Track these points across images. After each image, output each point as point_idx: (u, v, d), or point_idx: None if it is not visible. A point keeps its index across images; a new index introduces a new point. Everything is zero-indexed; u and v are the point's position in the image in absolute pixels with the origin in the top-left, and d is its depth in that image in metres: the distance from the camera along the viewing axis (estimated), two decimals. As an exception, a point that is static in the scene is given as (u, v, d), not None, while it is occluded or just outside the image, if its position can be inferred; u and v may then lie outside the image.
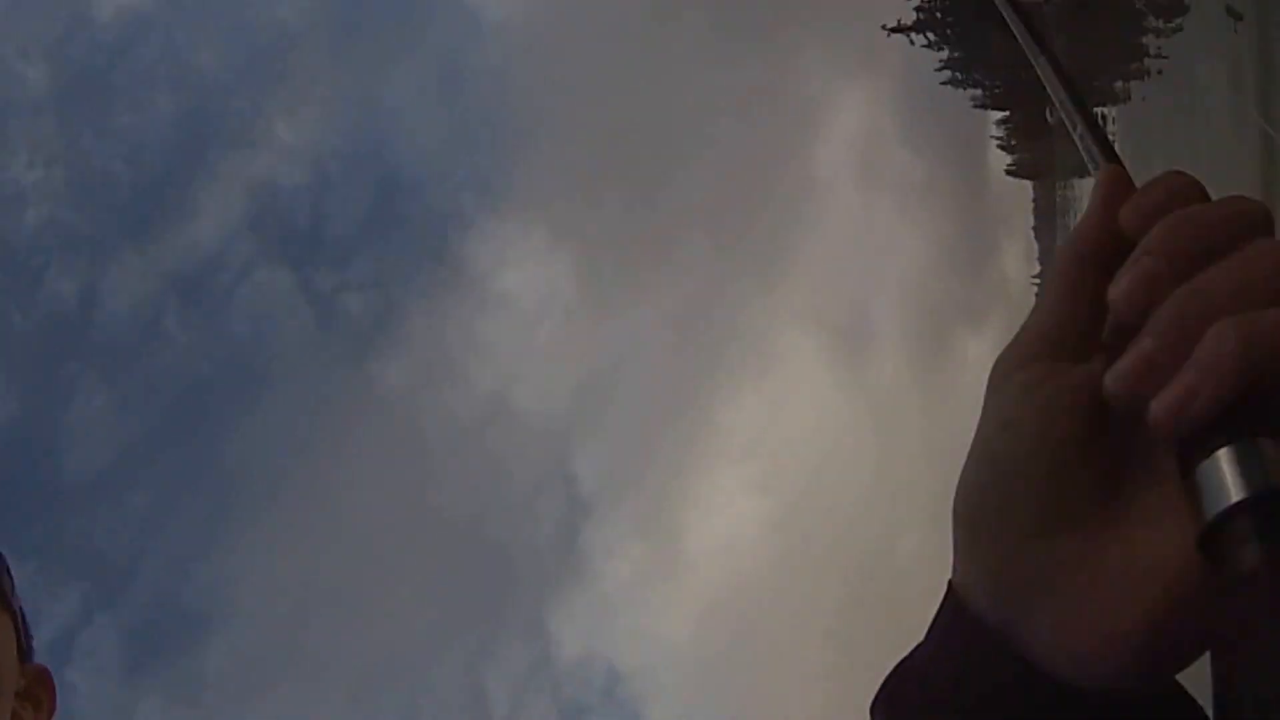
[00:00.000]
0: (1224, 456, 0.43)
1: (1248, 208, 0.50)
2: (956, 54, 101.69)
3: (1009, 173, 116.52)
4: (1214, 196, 0.52)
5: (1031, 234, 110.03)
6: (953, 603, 0.55)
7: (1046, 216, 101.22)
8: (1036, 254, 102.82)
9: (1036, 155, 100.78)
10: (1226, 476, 0.42)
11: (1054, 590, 0.50)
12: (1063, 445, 0.51)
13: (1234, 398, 0.43)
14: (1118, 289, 0.49)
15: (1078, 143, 0.70)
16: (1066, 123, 0.75)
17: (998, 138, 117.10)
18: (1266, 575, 0.40)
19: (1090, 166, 0.63)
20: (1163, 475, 0.49)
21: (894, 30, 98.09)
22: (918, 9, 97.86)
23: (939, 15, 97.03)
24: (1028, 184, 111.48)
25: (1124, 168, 0.58)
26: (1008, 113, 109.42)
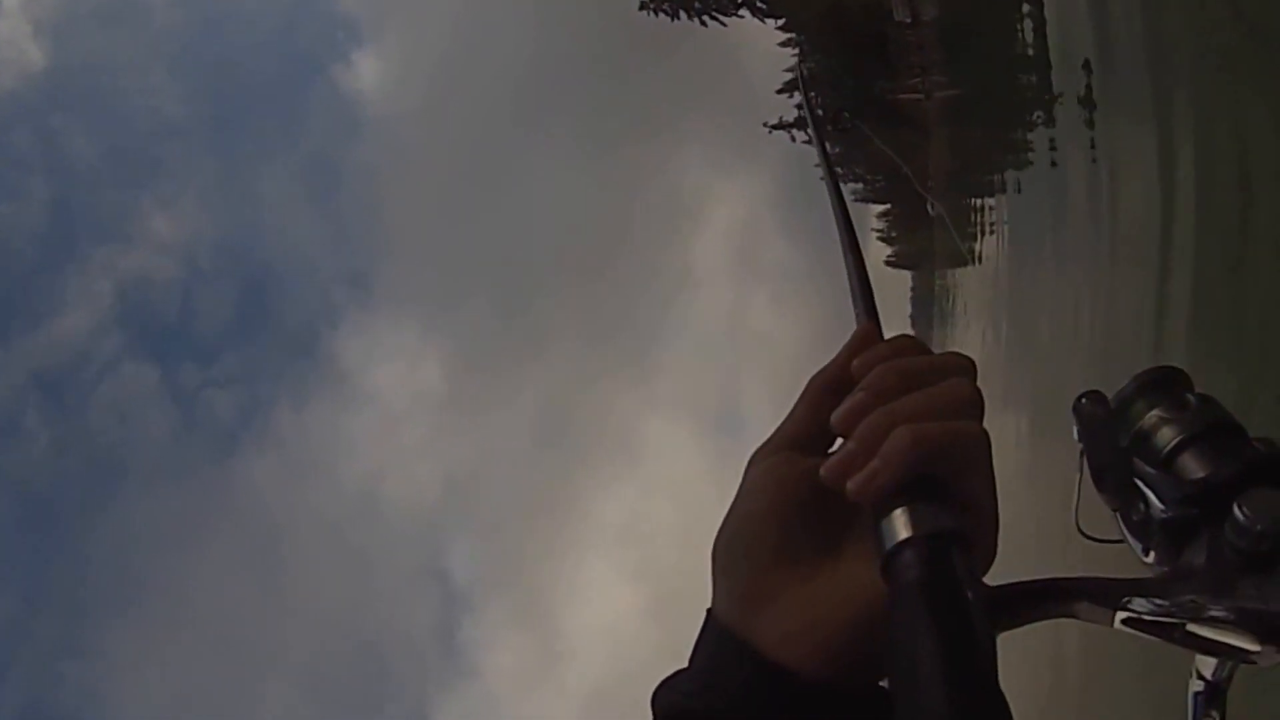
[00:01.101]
0: (896, 514, 0.64)
1: (953, 360, 0.77)
2: (837, 149, 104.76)
3: (888, 263, 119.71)
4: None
5: (909, 321, 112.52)
6: (709, 622, 0.76)
7: (924, 304, 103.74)
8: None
9: (915, 246, 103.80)
10: (897, 526, 0.64)
11: (780, 607, 0.72)
12: (787, 508, 0.75)
13: (904, 477, 0.66)
14: (836, 414, 0.74)
15: (849, 290, 0.98)
16: (845, 268, 1.01)
17: (878, 230, 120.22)
18: (916, 586, 0.60)
19: (854, 315, 0.92)
20: (864, 530, 0.70)
21: (775, 127, 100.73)
22: (798, 106, 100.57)
23: (820, 113, 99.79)
24: (907, 274, 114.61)
25: (877, 325, 0.88)
26: (888, 205, 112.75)
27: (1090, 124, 17.12)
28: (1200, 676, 0.96)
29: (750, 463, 0.81)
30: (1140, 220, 12.25)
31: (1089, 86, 17.05)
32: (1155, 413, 0.87)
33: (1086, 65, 17.23)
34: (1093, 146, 16.98)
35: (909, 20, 62.04)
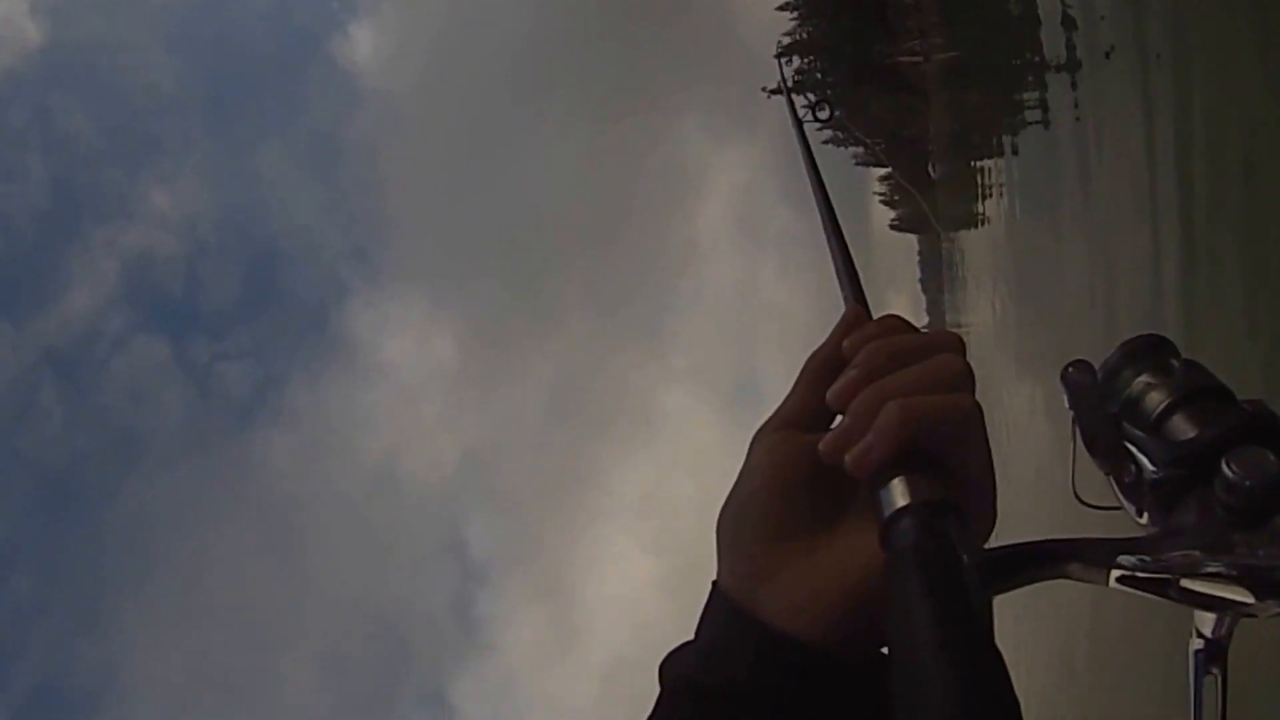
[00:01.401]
0: (893, 484, 0.68)
1: (941, 337, 0.81)
2: (837, 113, 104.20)
3: (893, 227, 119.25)
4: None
5: (918, 286, 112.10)
6: (714, 596, 0.79)
7: (932, 268, 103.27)
8: (924, 305, 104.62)
9: (919, 209, 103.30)
10: (894, 496, 0.67)
11: (783, 580, 0.75)
12: (788, 483, 0.79)
13: (897, 449, 0.70)
14: (831, 391, 0.78)
15: (834, 275, 1.03)
16: (830, 254, 1.06)
17: (880, 194, 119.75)
18: (910, 551, 0.63)
19: (842, 299, 0.98)
20: (864, 504, 0.74)
21: (774, 92, 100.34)
22: (798, 70, 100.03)
23: (820, 76, 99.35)
24: (912, 238, 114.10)
25: (865, 307, 0.93)
26: (889, 169, 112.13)
27: (1074, 85, 17.10)
28: (1200, 635, 0.97)
29: (753, 441, 0.85)
30: (1128, 177, 12.22)
31: (1071, 45, 17.03)
32: (1142, 379, 0.89)
33: (1068, 21, 17.18)
34: (1076, 106, 16.99)
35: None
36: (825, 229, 1.09)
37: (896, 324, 0.85)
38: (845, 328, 0.88)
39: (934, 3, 52.77)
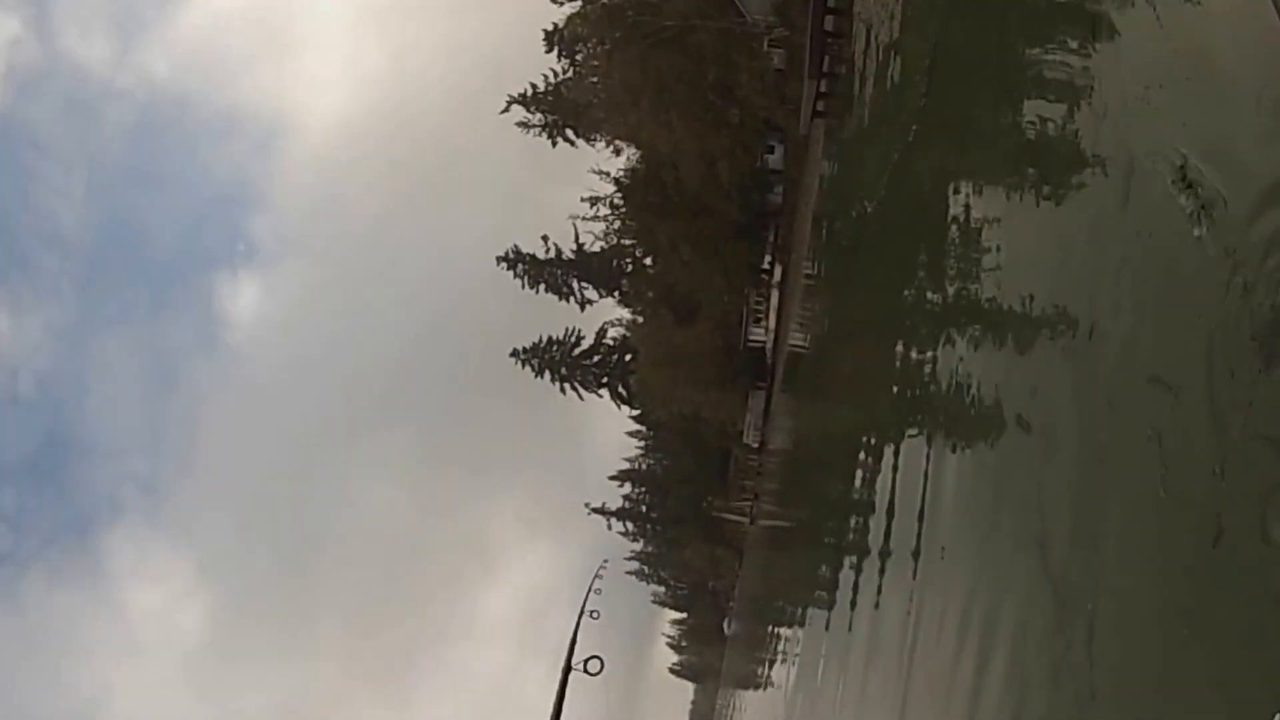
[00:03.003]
0: None
1: None
2: (651, 550, 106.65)
3: (673, 671, 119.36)
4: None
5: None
6: None
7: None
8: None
9: (704, 660, 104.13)
10: None
11: None
12: None
13: None
14: None
15: None
16: None
17: (669, 637, 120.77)
18: None
19: None
20: None
21: (596, 511, 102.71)
22: (625, 497, 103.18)
23: (645, 510, 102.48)
24: (690, 686, 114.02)
25: None
26: (685, 615, 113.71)
27: (882, 572, 17.81)
28: None
29: None
30: (908, 681, 12.38)
31: (888, 533, 17.87)
32: None
33: (892, 512, 18.23)
34: (879, 592, 17.56)
35: (756, 445, 65.97)
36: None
37: None
38: None
39: (778, 469, 56.26)
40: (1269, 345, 4.59)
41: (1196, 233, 5.36)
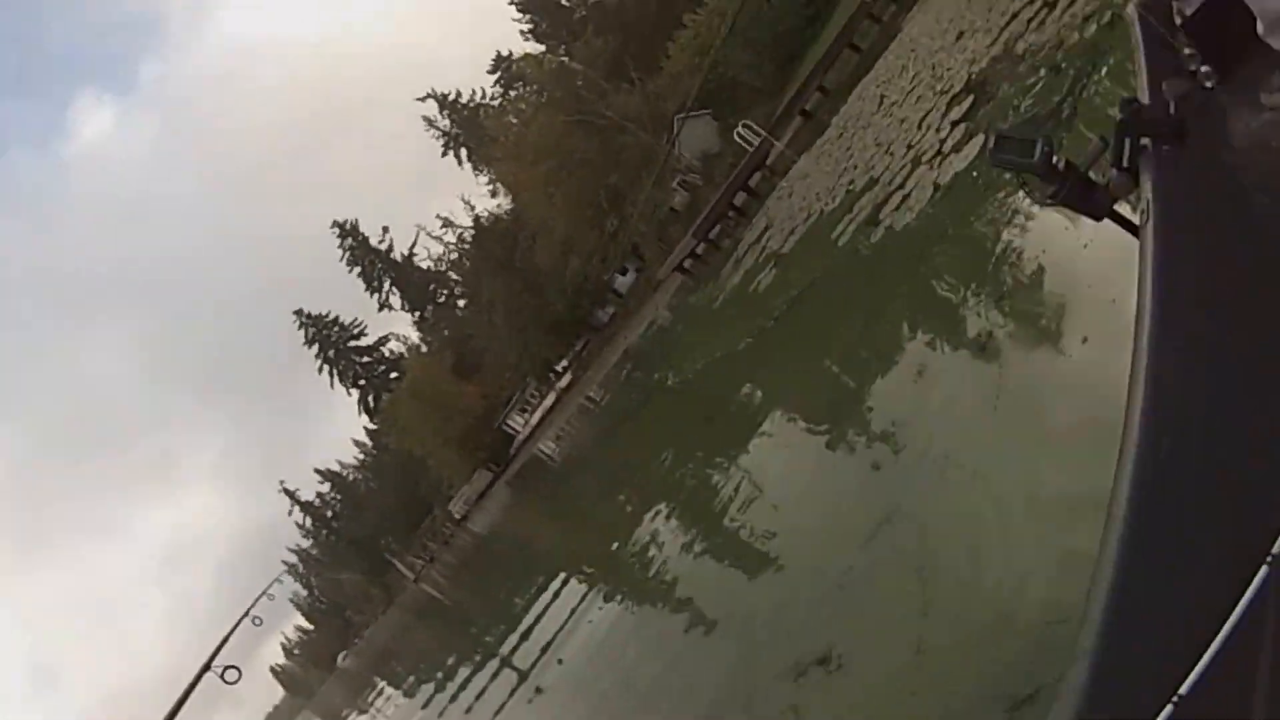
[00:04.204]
0: None
1: None
2: (315, 554, 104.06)
3: (272, 670, 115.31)
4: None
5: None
6: None
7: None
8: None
9: (306, 677, 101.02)
10: None
11: None
12: None
13: None
14: None
15: None
16: None
17: (288, 640, 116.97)
18: None
19: None
20: None
21: (287, 491, 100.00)
22: (320, 494, 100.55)
23: (329, 516, 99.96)
24: (280, 691, 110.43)
25: None
26: (312, 629, 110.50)
27: (490, 678, 17.46)
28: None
29: None
30: None
31: (514, 648, 17.65)
32: None
33: (529, 633, 18.10)
34: (495, 715, 17.54)
35: (458, 517, 65.74)
36: None
37: None
38: None
39: (462, 550, 56.13)
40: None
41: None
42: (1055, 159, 2.61)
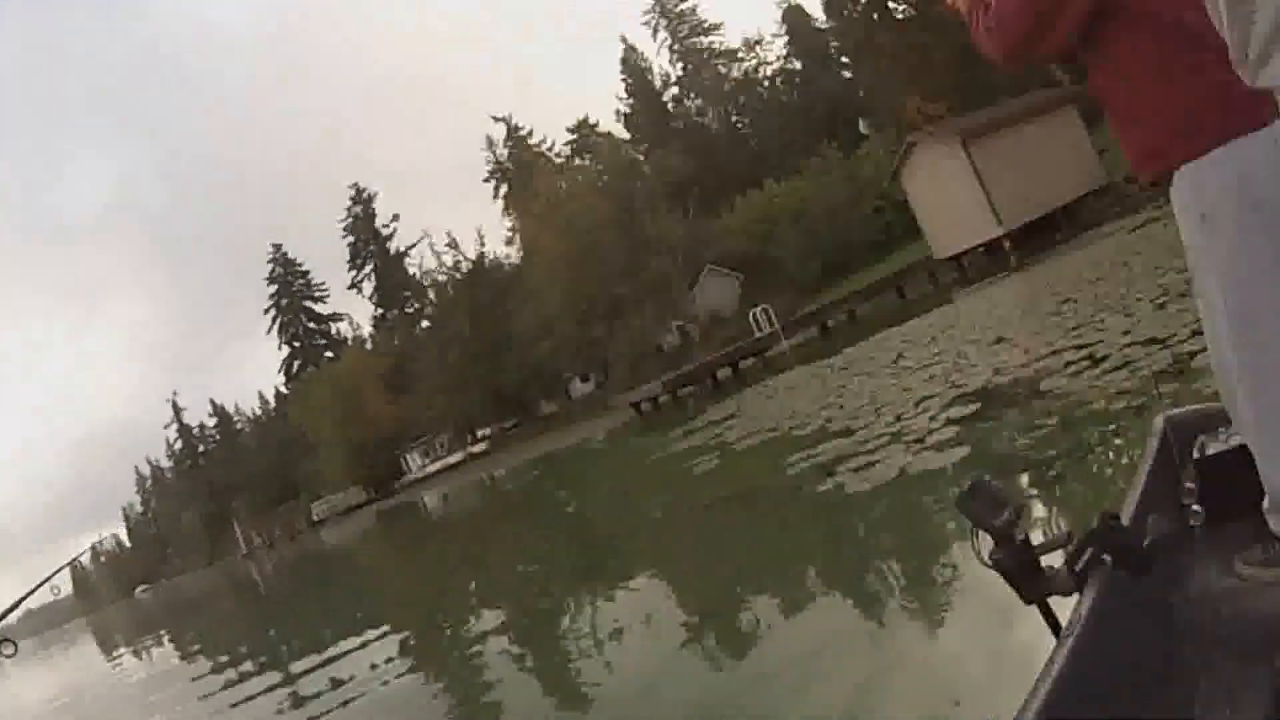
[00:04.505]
0: None
1: None
2: (170, 480, 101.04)
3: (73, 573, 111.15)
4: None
5: None
6: None
7: None
8: None
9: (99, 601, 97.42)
10: None
11: None
12: None
13: None
14: None
15: None
16: None
17: (96, 545, 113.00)
18: None
19: None
20: None
21: (174, 403, 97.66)
22: (203, 426, 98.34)
23: (201, 452, 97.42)
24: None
25: None
26: (130, 547, 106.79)
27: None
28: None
29: None
30: None
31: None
32: None
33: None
34: None
35: (315, 520, 64.29)
36: None
37: None
38: None
39: (300, 555, 54.76)
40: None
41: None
42: (1017, 530, 2.58)
